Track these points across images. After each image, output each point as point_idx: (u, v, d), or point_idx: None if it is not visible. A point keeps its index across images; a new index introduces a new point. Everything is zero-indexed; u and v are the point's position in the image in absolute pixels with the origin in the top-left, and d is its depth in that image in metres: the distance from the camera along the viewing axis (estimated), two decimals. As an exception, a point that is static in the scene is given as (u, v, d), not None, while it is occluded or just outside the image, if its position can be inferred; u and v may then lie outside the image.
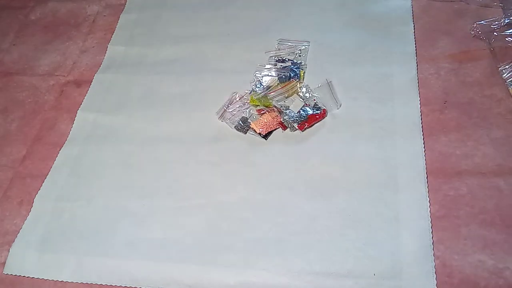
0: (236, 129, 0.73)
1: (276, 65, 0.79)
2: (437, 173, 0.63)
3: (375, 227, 0.60)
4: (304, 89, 0.74)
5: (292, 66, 0.78)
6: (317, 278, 0.57)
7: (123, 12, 0.98)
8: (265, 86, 0.76)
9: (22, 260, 0.65)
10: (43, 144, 0.78)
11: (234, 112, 0.75)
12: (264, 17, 0.89)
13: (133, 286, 0.61)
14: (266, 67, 0.79)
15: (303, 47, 0.82)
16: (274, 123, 0.72)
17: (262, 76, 0.77)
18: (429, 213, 0.60)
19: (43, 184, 0.73)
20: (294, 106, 0.73)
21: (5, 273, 0.64)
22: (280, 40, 0.84)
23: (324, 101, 0.73)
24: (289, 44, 0.83)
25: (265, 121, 0.72)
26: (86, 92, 0.84)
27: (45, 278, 0.63)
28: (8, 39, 0.97)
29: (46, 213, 0.69)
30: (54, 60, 0.92)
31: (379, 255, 0.58)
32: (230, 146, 0.72)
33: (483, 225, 0.58)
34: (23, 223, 0.69)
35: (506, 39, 0.76)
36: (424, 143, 0.66)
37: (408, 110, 0.70)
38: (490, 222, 0.58)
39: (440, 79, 0.74)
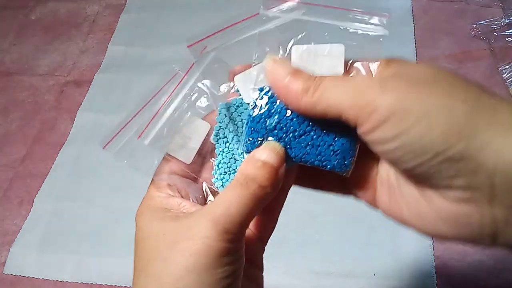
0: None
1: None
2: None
3: (376, 226, 0.60)
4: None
5: (292, 66, 0.78)
6: (317, 278, 0.57)
7: (123, 12, 0.97)
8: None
9: (22, 260, 0.65)
10: (43, 144, 0.78)
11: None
12: (264, 17, 0.89)
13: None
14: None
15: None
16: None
17: (262, 76, 0.77)
18: (429, 213, 0.60)
19: (43, 184, 0.73)
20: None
21: (5, 273, 0.64)
22: (280, 40, 0.83)
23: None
24: (289, 44, 0.83)
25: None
26: (86, 92, 0.84)
27: (45, 278, 0.63)
28: (8, 39, 0.97)
29: (46, 213, 0.69)
30: (54, 60, 0.92)
31: (379, 255, 0.58)
32: (230, 146, 0.72)
33: (483, 225, 0.58)
34: (23, 223, 0.69)
35: (506, 39, 0.76)
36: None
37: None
38: (490, 222, 0.58)
39: (440, 79, 0.74)
